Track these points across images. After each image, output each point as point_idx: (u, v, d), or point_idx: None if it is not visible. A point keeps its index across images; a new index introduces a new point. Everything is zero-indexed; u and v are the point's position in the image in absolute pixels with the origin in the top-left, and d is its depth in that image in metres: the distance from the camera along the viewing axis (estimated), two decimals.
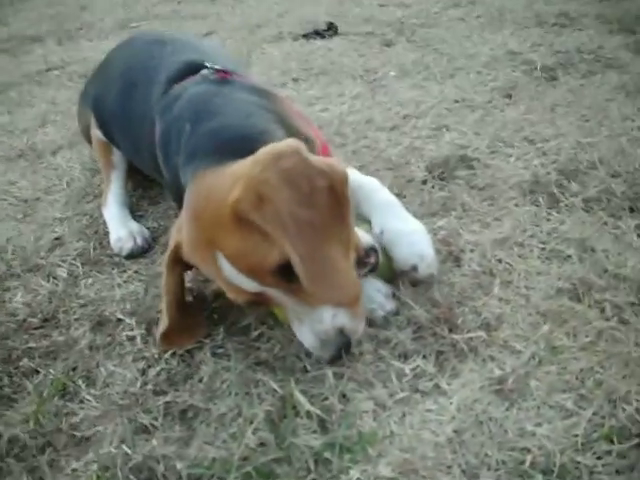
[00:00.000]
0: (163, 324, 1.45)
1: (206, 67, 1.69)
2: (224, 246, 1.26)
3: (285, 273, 1.24)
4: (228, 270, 1.27)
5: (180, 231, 1.38)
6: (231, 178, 1.28)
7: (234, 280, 1.28)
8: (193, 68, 1.71)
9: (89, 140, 2.25)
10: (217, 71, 1.68)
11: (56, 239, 2.01)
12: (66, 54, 4.06)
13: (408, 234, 1.54)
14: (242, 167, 1.29)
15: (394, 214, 1.58)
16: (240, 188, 1.22)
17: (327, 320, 1.27)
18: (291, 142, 1.31)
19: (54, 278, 1.82)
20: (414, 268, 1.51)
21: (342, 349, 1.31)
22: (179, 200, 1.47)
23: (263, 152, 1.28)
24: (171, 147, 1.56)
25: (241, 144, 1.39)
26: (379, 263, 1.45)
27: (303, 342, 1.33)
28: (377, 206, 1.59)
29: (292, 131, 1.53)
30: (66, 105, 3.17)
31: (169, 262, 1.42)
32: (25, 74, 3.76)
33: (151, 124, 1.70)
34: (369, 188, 1.63)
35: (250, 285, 1.27)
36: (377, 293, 1.48)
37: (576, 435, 1.20)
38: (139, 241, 1.89)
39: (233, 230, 1.24)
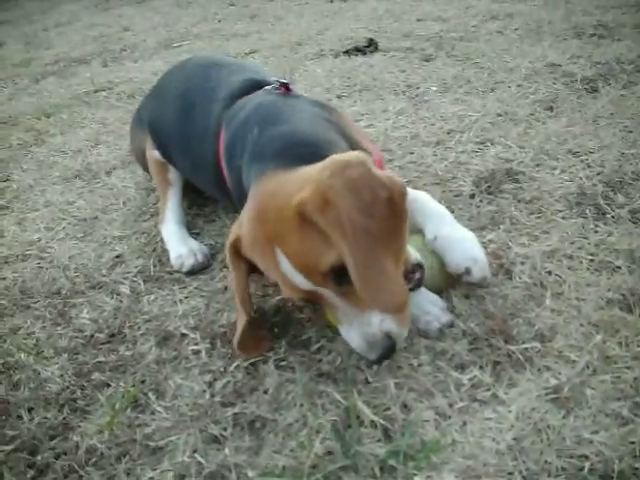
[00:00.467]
0: (240, 322, 1.50)
1: (268, 84, 1.80)
2: (284, 243, 1.32)
3: (338, 275, 1.31)
4: (285, 266, 1.33)
5: (240, 226, 1.46)
6: (298, 181, 1.35)
7: (290, 276, 1.34)
8: (255, 85, 1.83)
9: (142, 161, 2.34)
10: (281, 85, 1.78)
11: (116, 257, 2.08)
12: (112, 75, 4.17)
13: (461, 240, 1.60)
14: (310, 171, 1.36)
15: (446, 222, 1.64)
16: (307, 191, 1.28)
17: (375, 324, 1.34)
18: (359, 154, 1.39)
19: (117, 295, 1.89)
20: (467, 271, 1.56)
21: (387, 351, 1.37)
22: (240, 200, 1.56)
23: (332, 160, 1.35)
24: (236, 150, 1.64)
25: (308, 150, 1.47)
26: (424, 279, 1.50)
27: (350, 342, 1.41)
28: (430, 215, 1.65)
29: (352, 143, 1.63)
30: (116, 125, 3.27)
31: (231, 256, 1.49)
32: (74, 96, 3.86)
33: (212, 140, 1.80)
34: (422, 200, 1.70)
35: (304, 283, 1.34)
36: (432, 306, 1.54)
37: (633, 442, 1.24)
38: (200, 258, 1.95)
39: (295, 229, 1.30)
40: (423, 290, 1.56)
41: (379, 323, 1.34)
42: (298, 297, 1.42)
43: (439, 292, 1.62)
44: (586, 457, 1.22)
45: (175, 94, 2.10)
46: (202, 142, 1.88)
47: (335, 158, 1.35)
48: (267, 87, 1.79)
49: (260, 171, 1.48)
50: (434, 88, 3.03)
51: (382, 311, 1.34)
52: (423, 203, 1.69)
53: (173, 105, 2.07)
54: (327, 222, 1.26)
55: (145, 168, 2.34)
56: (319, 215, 1.27)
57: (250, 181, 1.51)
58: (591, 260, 1.74)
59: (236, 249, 1.46)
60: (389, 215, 1.31)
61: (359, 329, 1.36)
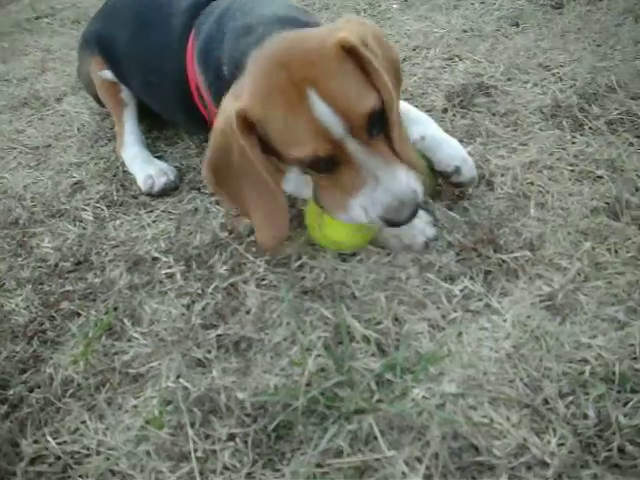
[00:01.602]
0: (278, 204, 1.34)
1: None
2: (322, 84, 1.20)
3: (372, 123, 1.24)
4: (320, 109, 1.19)
5: (239, 99, 1.27)
6: (326, 30, 1.28)
7: (324, 121, 1.20)
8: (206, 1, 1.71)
9: (91, 90, 2.20)
10: None
11: (75, 184, 1.98)
12: (54, 1, 3.94)
13: (448, 140, 1.57)
14: (334, 26, 1.30)
15: (432, 125, 1.60)
16: (346, 31, 1.23)
17: (403, 177, 1.27)
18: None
19: (80, 222, 1.79)
20: (457, 170, 1.53)
21: (416, 208, 1.29)
22: (219, 93, 1.40)
23: (349, 18, 1.32)
24: (214, 44, 1.52)
25: (301, 20, 1.44)
26: None
27: (377, 206, 1.26)
28: (415, 119, 1.60)
29: None
30: (62, 52, 3.10)
31: (242, 132, 1.25)
32: (14, 23, 3.66)
33: (177, 53, 1.69)
34: (404, 106, 1.60)
35: (338, 129, 1.21)
36: (418, 219, 1.47)
37: (632, 345, 1.22)
38: (171, 176, 1.86)
39: (335, 68, 1.21)
40: None
41: (405, 177, 1.28)
42: (324, 151, 1.23)
43: (428, 191, 1.56)
44: (586, 361, 1.20)
45: (128, 14, 1.97)
46: (163, 58, 1.76)
47: (354, 18, 1.32)
48: None
49: (258, 37, 1.35)
50: (395, 5, 2.93)
51: (406, 163, 1.29)
52: (405, 108, 1.61)
53: (127, 25, 1.95)
54: (371, 59, 1.21)
55: (95, 97, 2.20)
56: (364, 49, 1.21)
57: (240, 57, 1.36)
58: (572, 170, 1.70)
59: (245, 122, 1.25)
60: (399, 76, 1.36)
61: (388, 185, 1.26)
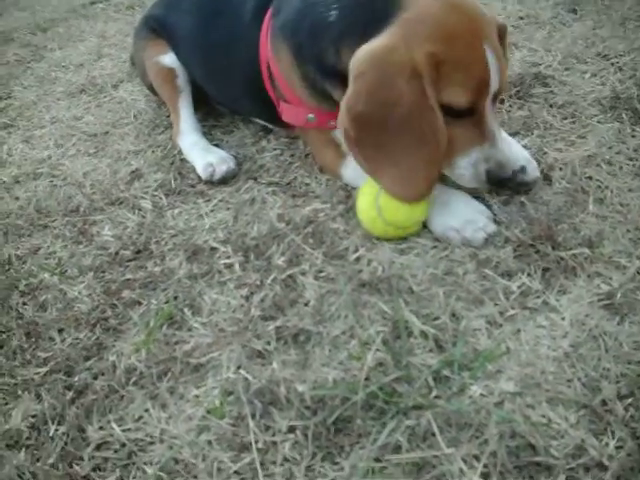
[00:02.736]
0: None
1: None
2: (493, 43, 1.37)
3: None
4: (492, 64, 1.35)
5: (419, 42, 1.30)
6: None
7: (491, 74, 1.35)
8: None
9: (142, 74, 2.25)
10: None
11: (133, 172, 2.01)
12: None
13: (513, 142, 1.66)
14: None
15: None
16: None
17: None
18: None
19: (139, 210, 1.82)
20: (523, 170, 1.57)
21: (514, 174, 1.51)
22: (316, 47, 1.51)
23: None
24: (307, 12, 1.54)
25: None
26: None
27: (491, 161, 1.45)
28: None
29: None
30: (118, 38, 3.14)
31: (432, 78, 1.31)
32: (69, 9, 3.71)
33: (248, 36, 1.75)
34: None
35: (494, 86, 1.38)
36: (480, 215, 1.49)
37: None
38: (232, 164, 1.88)
39: (496, 39, 1.40)
40: (470, 199, 1.52)
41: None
42: (480, 102, 1.38)
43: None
44: None
45: (194, 1, 2.01)
46: (234, 42, 1.82)
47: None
48: None
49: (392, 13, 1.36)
50: None
51: None
52: None
53: (193, 12, 1.99)
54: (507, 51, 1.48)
55: (149, 86, 2.24)
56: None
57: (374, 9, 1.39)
58: (632, 165, 1.68)
59: (435, 66, 1.31)
60: None
61: (503, 147, 1.45)
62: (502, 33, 1.45)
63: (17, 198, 2.01)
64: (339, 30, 1.44)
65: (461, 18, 1.33)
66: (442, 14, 1.33)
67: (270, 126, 2.02)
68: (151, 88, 2.22)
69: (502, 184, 1.49)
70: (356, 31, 1.40)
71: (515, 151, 1.59)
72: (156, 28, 2.11)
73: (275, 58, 1.66)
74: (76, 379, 1.36)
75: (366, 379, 1.21)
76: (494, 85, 1.37)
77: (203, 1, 1.98)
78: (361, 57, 1.34)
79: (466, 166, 1.45)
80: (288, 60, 1.61)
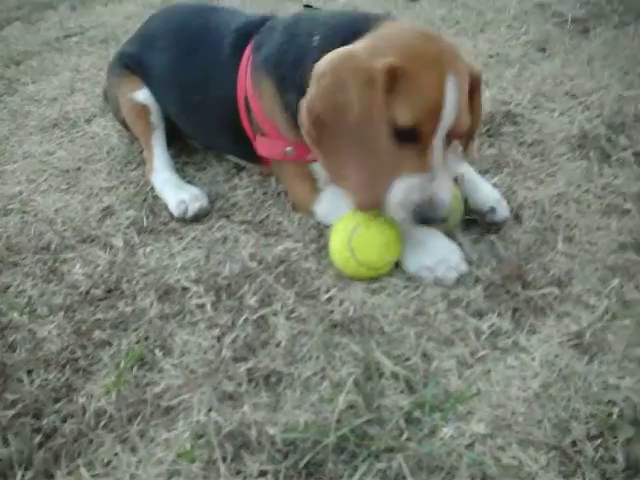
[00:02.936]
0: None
1: (268, 19, 1.81)
2: (460, 78, 1.37)
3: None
4: (451, 95, 1.34)
5: (380, 56, 1.34)
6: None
7: (447, 104, 1.34)
8: (259, 20, 1.82)
9: (115, 109, 2.24)
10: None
11: (105, 209, 2.00)
12: (82, 19, 3.99)
13: (484, 182, 1.68)
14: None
15: (467, 167, 1.71)
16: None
17: (450, 186, 1.45)
18: None
19: (110, 248, 1.81)
20: (492, 210, 1.61)
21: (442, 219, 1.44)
22: (295, 77, 1.55)
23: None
24: (289, 44, 1.62)
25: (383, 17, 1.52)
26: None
27: (420, 194, 1.39)
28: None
29: None
30: (91, 72, 3.14)
31: (385, 88, 1.33)
32: (44, 42, 3.69)
33: (225, 70, 1.79)
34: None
35: (447, 119, 1.35)
36: (452, 254, 1.50)
37: None
38: (204, 202, 1.88)
39: (465, 78, 1.41)
40: (443, 237, 1.53)
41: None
42: (426, 127, 1.36)
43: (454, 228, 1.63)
44: (614, 403, 1.21)
45: (170, 38, 2.03)
46: (211, 77, 1.86)
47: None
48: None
49: (370, 22, 1.47)
50: None
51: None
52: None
53: (170, 49, 2.01)
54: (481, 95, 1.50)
55: (122, 121, 2.24)
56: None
57: (347, 34, 1.47)
58: (599, 204, 1.71)
59: (391, 78, 1.33)
60: None
61: (440, 185, 1.40)
62: (475, 81, 1.46)
63: None
64: (320, 51, 1.47)
65: (430, 45, 1.37)
66: (412, 37, 1.38)
67: (243, 163, 2.03)
68: (124, 124, 2.22)
69: (427, 222, 1.42)
70: (335, 46, 1.44)
71: (485, 191, 1.63)
72: (130, 65, 2.12)
73: (256, 91, 1.69)
74: (45, 422, 1.33)
75: (337, 422, 1.20)
76: (447, 119, 1.35)
77: (179, 39, 2.00)
78: (324, 60, 1.40)
79: (397, 191, 1.40)
80: (270, 92, 1.64)
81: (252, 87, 1.70)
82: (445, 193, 1.39)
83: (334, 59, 1.38)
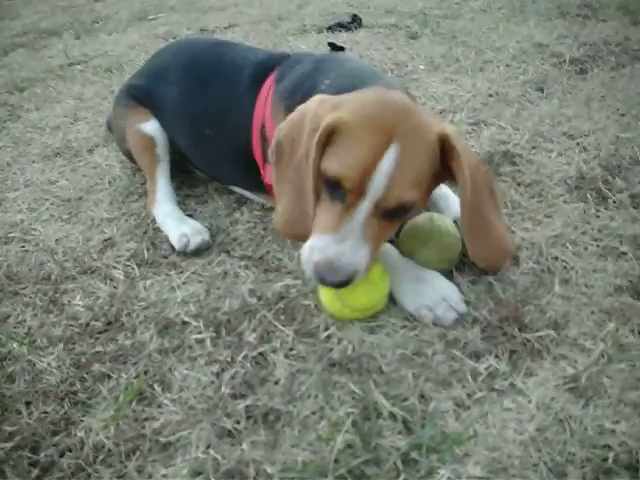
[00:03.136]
0: (306, 202, 1.44)
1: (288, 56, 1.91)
2: (405, 152, 1.34)
3: (394, 212, 1.39)
4: (385, 163, 1.33)
5: (337, 109, 1.40)
6: (435, 116, 1.52)
7: (378, 171, 1.33)
8: (281, 56, 1.92)
9: (120, 140, 2.28)
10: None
11: (106, 240, 2.01)
12: (87, 48, 4.04)
13: None
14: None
15: None
16: (450, 129, 1.43)
17: (360, 254, 1.39)
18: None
19: (111, 280, 1.82)
20: None
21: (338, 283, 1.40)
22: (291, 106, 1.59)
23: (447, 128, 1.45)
24: (310, 81, 1.70)
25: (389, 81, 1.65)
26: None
27: (321, 254, 1.38)
28: (455, 201, 1.75)
29: None
30: (95, 100, 3.17)
31: (322, 136, 1.38)
32: (47, 69, 3.73)
33: (241, 101, 1.87)
34: (444, 188, 1.80)
35: (376, 188, 1.34)
36: (451, 294, 1.52)
37: None
38: (206, 236, 1.90)
39: (421, 150, 1.38)
40: (442, 277, 1.55)
41: (360, 257, 1.40)
42: (350, 185, 1.35)
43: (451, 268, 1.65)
44: (609, 447, 1.21)
45: (182, 71, 2.09)
46: (226, 109, 1.91)
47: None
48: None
49: (365, 81, 1.57)
50: (422, 67, 3.00)
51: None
52: (444, 190, 1.80)
53: (182, 81, 2.07)
54: (462, 164, 1.39)
55: (127, 153, 2.27)
56: (461, 153, 1.39)
57: (347, 85, 1.56)
58: (596, 246, 1.73)
59: (330, 131, 1.38)
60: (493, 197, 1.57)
61: (344, 250, 1.37)
62: (445, 141, 1.41)
63: None
64: (322, 91, 1.58)
65: (389, 112, 1.38)
66: (377, 101, 1.42)
67: (248, 194, 2.06)
68: (128, 155, 2.25)
69: (324, 284, 1.41)
70: (329, 93, 1.54)
71: None
72: (138, 97, 2.16)
73: (273, 120, 1.73)
74: (42, 456, 1.34)
75: (335, 462, 1.21)
76: (376, 187, 1.33)
77: (191, 72, 2.05)
78: (305, 103, 1.50)
79: (305, 246, 1.42)
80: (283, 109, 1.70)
81: (271, 116, 1.76)
82: (346, 260, 1.36)
83: (312, 101, 1.48)
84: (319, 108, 1.43)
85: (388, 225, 1.42)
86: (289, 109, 1.61)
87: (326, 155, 1.38)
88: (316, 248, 1.38)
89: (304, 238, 1.44)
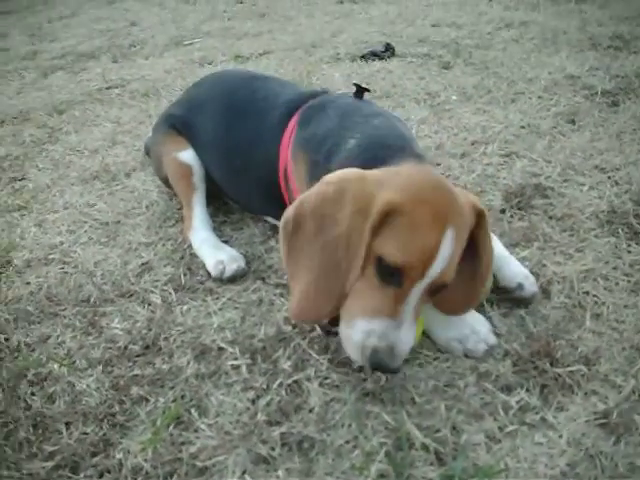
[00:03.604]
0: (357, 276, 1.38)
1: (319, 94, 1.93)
2: (459, 234, 1.36)
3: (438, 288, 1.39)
4: (445, 247, 1.32)
5: (384, 188, 1.35)
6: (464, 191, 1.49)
7: (437, 255, 1.32)
8: (314, 93, 1.94)
9: (158, 168, 2.35)
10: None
11: (144, 264, 2.06)
12: (123, 71, 4.13)
13: (509, 258, 1.72)
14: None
15: (498, 243, 1.74)
16: (479, 204, 1.45)
17: (411, 338, 1.39)
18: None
19: (149, 304, 1.87)
20: (520, 286, 1.66)
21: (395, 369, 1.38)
22: (317, 174, 1.54)
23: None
24: (335, 136, 1.67)
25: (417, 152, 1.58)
26: None
27: (381, 339, 1.34)
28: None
29: None
30: (132, 124, 3.24)
31: (375, 222, 1.33)
32: (85, 92, 3.82)
33: (269, 140, 1.89)
34: None
35: (435, 268, 1.32)
36: (481, 327, 1.55)
37: None
38: (242, 263, 1.95)
39: (466, 229, 1.40)
40: (472, 310, 1.57)
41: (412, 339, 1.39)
42: (413, 271, 1.31)
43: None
44: None
45: (217, 105, 2.14)
46: (255, 145, 1.95)
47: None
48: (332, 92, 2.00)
49: (391, 147, 1.55)
50: (455, 97, 3.03)
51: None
52: None
53: (216, 115, 2.12)
54: (487, 232, 1.46)
55: (164, 180, 2.33)
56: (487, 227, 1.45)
57: (378, 157, 1.52)
58: (627, 281, 1.75)
59: (385, 213, 1.33)
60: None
61: (405, 336, 1.35)
62: (480, 218, 1.43)
63: (28, 283, 2.06)
64: (347, 155, 1.56)
65: (438, 194, 1.36)
66: (422, 181, 1.38)
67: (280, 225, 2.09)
68: (165, 181, 2.30)
69: (379, 370, 1.38)
70: (358, 161, 1.51)
71: (512, 268, 1.69)
72: (177, 126, 2.22)
73: (293, 165, 1.77)
74: (82, 476, 1.38)
75: None
76: (434, 270, 1.32)
77: (226, 106, 2.10)
78: (338, 172, 1.44)
79: (358, 330, 1.36)
80: (302, 171, 1.71)
81: (291, 160, 1.78)
82: (406, 344, 1.35)
83: (346, 175, 1.41)
84: (362, 187, 1.36)
85: (430, 298, 1.42)
86: (313, 164, 1.66)
87: (380, 238, 1.33)
88: (373, 333, 1.33)
89: (318, 320, 1.44)
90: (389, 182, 1.36)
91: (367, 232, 1.32)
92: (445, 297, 1.45)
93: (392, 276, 1.33)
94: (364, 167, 1.44)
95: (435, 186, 1.37)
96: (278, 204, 1.88)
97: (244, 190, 2.10)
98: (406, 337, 1.35)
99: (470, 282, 1.48)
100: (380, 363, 1.33)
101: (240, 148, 1.99)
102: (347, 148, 1.59)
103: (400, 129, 1.67)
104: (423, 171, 1.43)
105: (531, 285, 1.67)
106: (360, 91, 1.87)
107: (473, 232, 1.42)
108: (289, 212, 1.44)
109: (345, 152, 1.58)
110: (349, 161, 1.52)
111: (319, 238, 1.39)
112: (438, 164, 2.40)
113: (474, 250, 1.45)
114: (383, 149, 1.55)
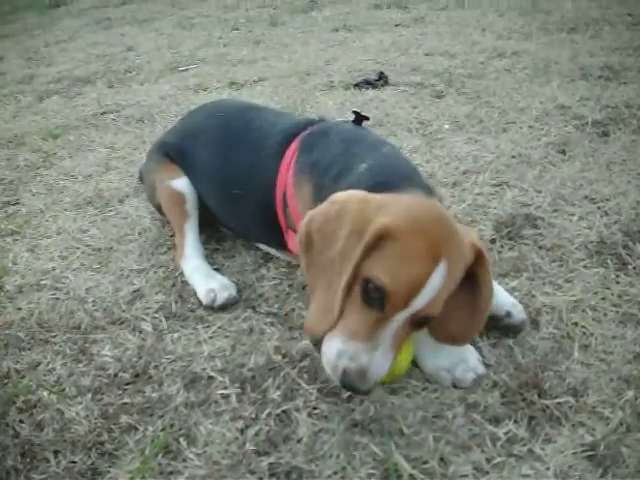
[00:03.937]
0: (333, 302, 1.38)
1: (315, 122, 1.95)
2: (452, 269, 1.35)
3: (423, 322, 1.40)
4: (435, 279, 1.31)
5: (382, 212, 1.36)
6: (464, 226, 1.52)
7: (428, 284, 1.31)
8: (306, 123, 1.95)
9: (151, 196, 2.36)
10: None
11: (135, 291, 2.07)
12: (119, 97, 4.14)
13: (499, 289, 1.73)
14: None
15: None
16: (479, 241, 1.46)
17: (387, 365, 1.38)
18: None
19: (139, 332, 1.87)
20: (508, 314, 1.67)
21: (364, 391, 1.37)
22: (321, 193, 1.61)
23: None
24: (340, 162, 1.69)
25: (422, 184, 1.60)
26: None
27: (353, 361, 1.33)
28: None
29: None
30: (126, 150, 3.25)
31: (368, 244, 1.33)
32: (80, 117, 3.83)
33: (267, 167, 1.90)
34: None
35: (422, 299, 1.32)
36: (470, 356, 1.56)
37: None
38: (233, 292, 1.95)
39: (462, 265, 1.40)
40: None
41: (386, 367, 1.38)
42: (398, 297, 1.30)
43: None
44: None
45: (212, 135, 2.16)
46: (252, 173, 1.96)
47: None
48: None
49: (401, 176, 1.58)
50: (447, 126, 3.06)
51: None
52: None
53: (211, 144, 2.14)
54: (488, 271, 1.46)
55: (157, 207, 2.35)
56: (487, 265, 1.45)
57: (382, 184, 1.53)
58: (615, 312, 1.76)
59: (379, 237, 1.33)
60: None
61: (379, 362, 1.34)
62: (479, 257, 1.44)
63: (19, 309, 2.06)
64: (358, 179, 1.57)
65: (434, 225, 1.36)
66: (422, 211, 1.39)
67: (274, 252, 2.11)
68: (158, 208, 2.32)
69: (349, 390, 1.38)
70: (368, 184, 1.52)
71: (500, 296, 1.70)
72: (170, 154, 2.24)
73: (296, 190, 1.78)
74: None
75: None
76: (419, 302, 1.31)
77: (221, 135, 2.12)
78: (345, 192, 1.46)
79: (333, 348, 1.36)
80: (308, 196, 1.72)
81: (293, 186, 1.78)
82: (379, 369, 1.34)
83: (350, 196, 1.43)
84: (362, 209, 1.38)
85: (414, 329, 1.41)
86: (319, 187, 1.67)
87: (371, 260, 1.33)
88: (345, 354, 1.33)
89: (319, 336, 1.44)
90: (389, 207, 1.38)
91: (358, 252, 1.33)
92: (443, 327, 1.47)
93: (375, 300, 1.33)
94: (373, 191, 1.46)
95: (435, 218, 1.38)
96: (273, 231, 1.91)
97: (240, 217, 2.11)
98: (380, 361, 1.33)
99: (469, 315, 1.48)
100: (351, 385, 1.33)
101: (237, 176, 2.01)
102: (358, 172, 1.61)
103: (407, 159, 1.74)
104: (426, 202, 1.44)
105: (519, 313, 1.68)
106: (359, 119, 1.89)
107: (472, 269, 1.43)
108: (301, 228, 1.46)
109: (356, 175, 1.60)
110: (359, 184, 1.53)
111: (322, 255, 1.42)
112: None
113: (474, 284, 1.45)
114: (394, 176, 1.58)
